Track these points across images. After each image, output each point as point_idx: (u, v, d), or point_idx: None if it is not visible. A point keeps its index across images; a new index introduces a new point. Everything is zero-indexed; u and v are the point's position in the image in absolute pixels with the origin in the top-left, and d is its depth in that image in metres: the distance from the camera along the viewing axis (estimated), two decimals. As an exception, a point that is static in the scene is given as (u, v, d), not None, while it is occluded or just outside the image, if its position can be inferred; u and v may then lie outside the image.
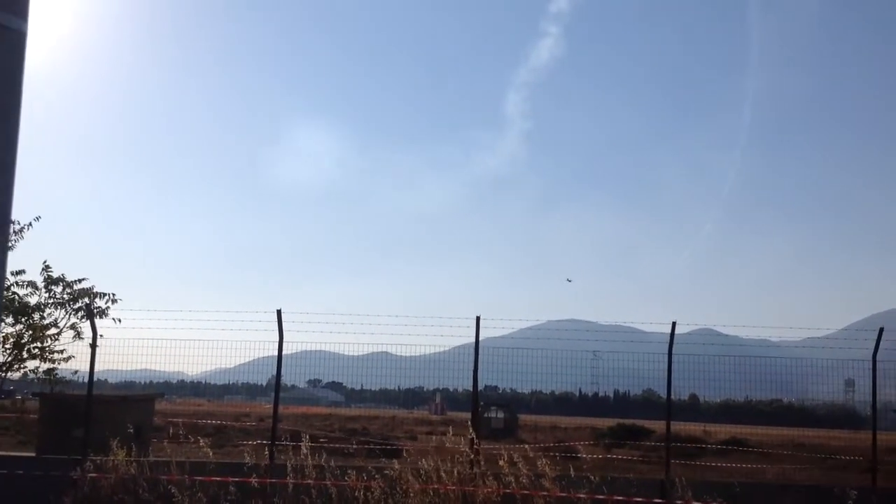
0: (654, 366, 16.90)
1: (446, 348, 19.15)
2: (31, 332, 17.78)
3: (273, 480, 11.90)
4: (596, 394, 57.11)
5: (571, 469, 12.14)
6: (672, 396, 15.46)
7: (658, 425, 24.97)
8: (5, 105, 3.46)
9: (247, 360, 20.12)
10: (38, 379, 18.01)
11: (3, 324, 16.93)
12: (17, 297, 17.56)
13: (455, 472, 11.45)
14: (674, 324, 15.32)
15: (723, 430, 35.81)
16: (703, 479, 15.31)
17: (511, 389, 53.49)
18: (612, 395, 61.01)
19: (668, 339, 15.43)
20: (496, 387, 53.14)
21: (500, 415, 46.06)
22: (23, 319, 17.64)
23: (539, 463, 11.40)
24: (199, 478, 12.04)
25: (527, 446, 18.37)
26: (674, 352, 15.30)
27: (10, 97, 3.48)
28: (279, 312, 15.70)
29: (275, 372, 16.12)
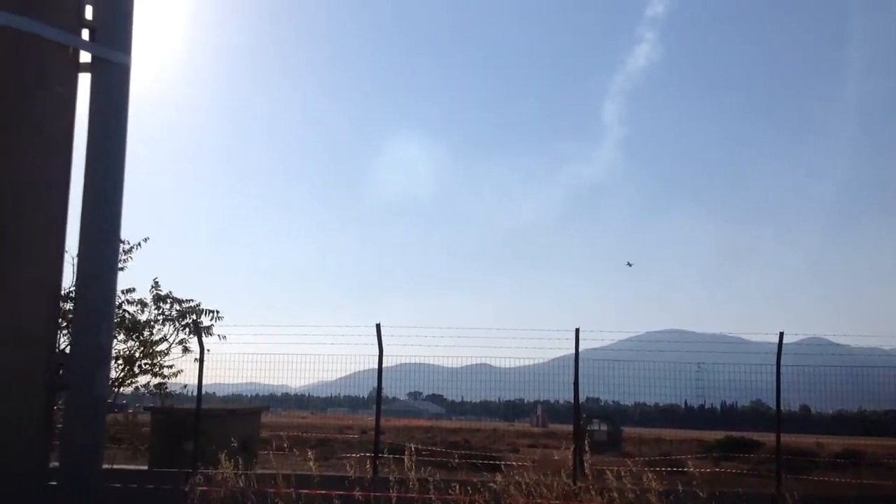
0: (762, 377, 16.36)
1: (546, 360, 18.96)
2: (142, 348, 18.44)
3: (377, 493, 11.99)
4: (702, 405, 55.63)
5: (679, 484, 11.83)
6: (782, 408, 14.96)
7: (768, 438, 24.14)
8: (112, 134, 3.58)
9: (348, 373, 20.39)
10: (150, 393, 18.66)
11: (115, 340, 17.60)
12: (127, 314, 18.24)
13: (558, 486, 11.29)
14: (781, 334, 14.82)
15: (836, 443, 34.43)
16: (816, 494, 14.71)
17: (614, 402, 52.61)
18: (719, 406, 59.28)
19: (775, 349, 14.94)
20: (598, 399, 52.47)
21: (603, 427, 45.34)
22: (134, 336, 18.31)
23: (644, 477, 11.14)
24: (305, 490, 12.23)
25: (630, 460, 18.02)
26: (783, 362, 14.81)
27: (117, 126, 3.61)
28: (378, 327, 15.86)
29: (375, 384, 16.28)
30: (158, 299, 18.39)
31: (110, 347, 11.76)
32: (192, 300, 18.65)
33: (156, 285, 18.35)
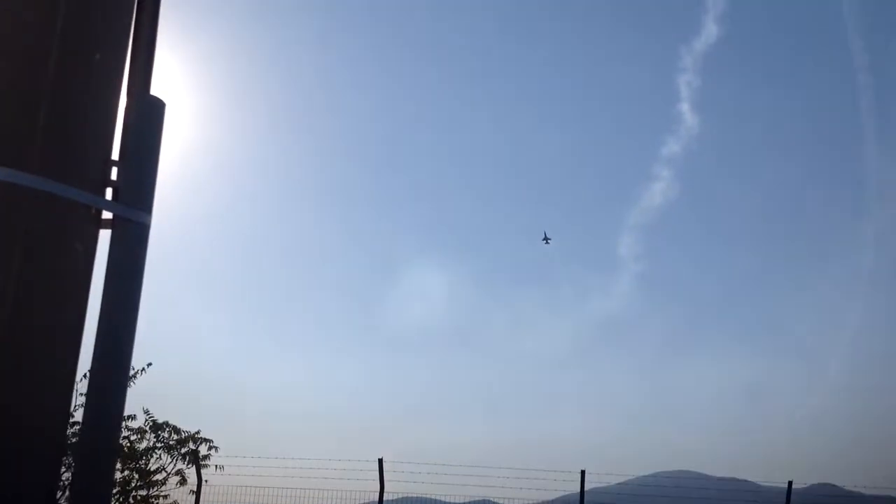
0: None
1: (551, 498, 18.54)
2: (138, 476, 18.11)
3: None
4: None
5: None
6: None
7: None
8: (128, 289, 3.66)
9: (350, 506, 19.90)
10: (144, 525, 18.22)
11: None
12: (126, 441, 18.01)
13: None
14: (790, 483, 14.55)
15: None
16: None
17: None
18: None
19: (784, 493, 14.67)
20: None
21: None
22: (130, 465, 18.03)
23: None
24: None
25: None
26: (792, 511, 14.47)
27: (133, 281, 3.69)
28: (381, 462, 15.64)
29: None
30: (156, 427, 18.21)
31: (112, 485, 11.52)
32: (189, 430, 18.45)
33: (147, 412, 18.18)
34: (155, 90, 4.03)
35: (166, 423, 18.53)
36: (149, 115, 3.75)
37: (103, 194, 3.54)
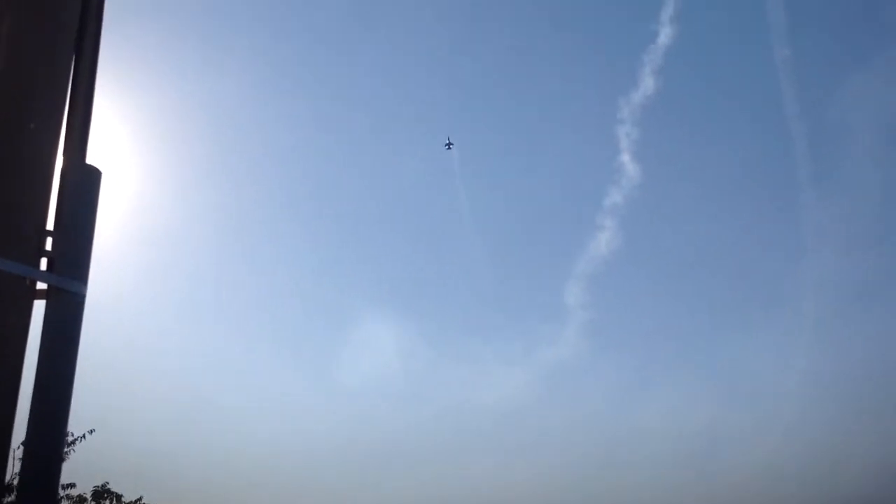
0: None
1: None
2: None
3: None
4: None
5: None
6: None
7: None
8: (63, 359, 3.61)
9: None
10: None
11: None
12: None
13: None
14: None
15: None
16: None
17: None
18: None
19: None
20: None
21: None
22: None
23: None
24: None
25: None
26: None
27: (68, 351, 3.63)
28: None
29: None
30: (97, 495, 17.68)
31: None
32: (131, 498, 17.96)
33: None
34: (91, 156, 4.03)
35: (107, 490, 17.99)
36: (85, 183, 3.74)
37: (38, 265, 3.51)
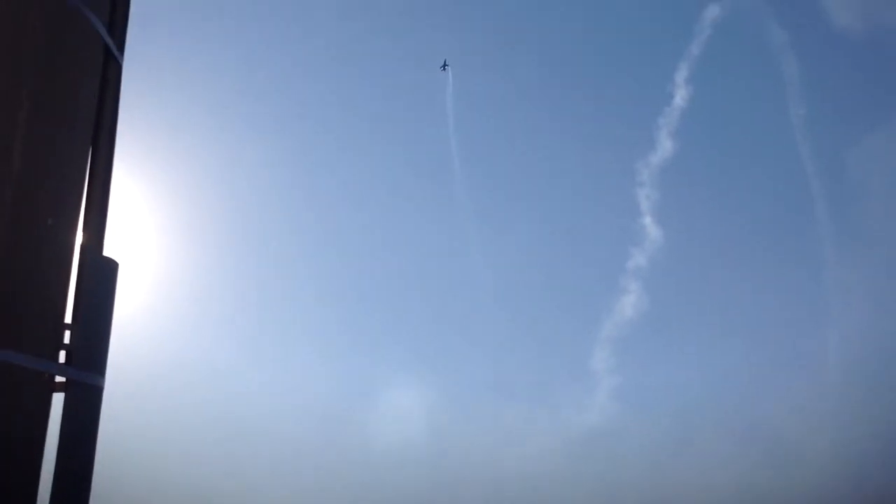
0: None
1: None
2: None
3: None
4: None
5: None
6: None
7: None
8: (82, 451, 3.62)
9: None
10: None
11: None
12: None
13: None
14: None
15: None
16: None
17: None
18: None
19: None
20: None
21: None
22: None
23: None
24: None
25: None
26: None
27: (87, 443, 3.64)
28: None
29: None
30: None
31: None
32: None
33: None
34: (108, 248, 4.10)
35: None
36: (102, 275, 3.80)
37: (56, 358, 3.55)
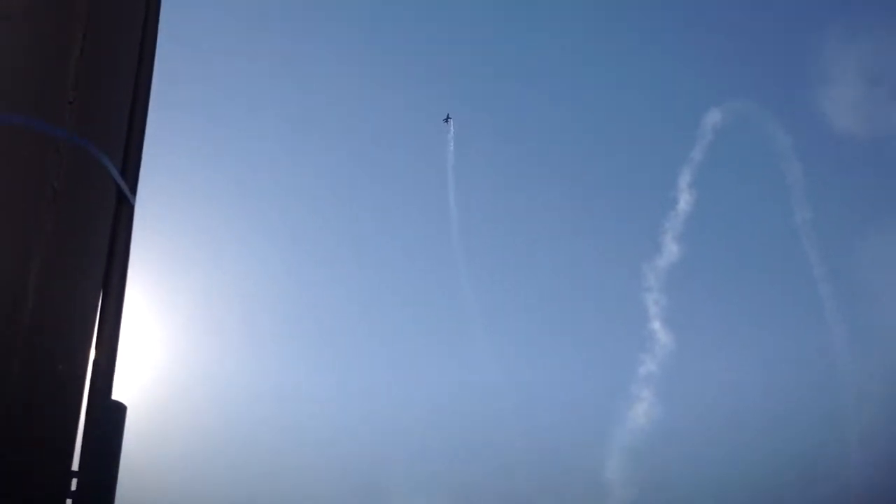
0: None
1: None
2: None
3: None
4: None
5: None
6: None
7: None
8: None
9: None
10: None
11: None
12: None
13: None
14: None
15: None
16: None
17: None
18: None
19: None
20: None
21: None
22: None
23: None
24: None
25: None
26: None
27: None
28: None
29: None
30: None
31: None
32: None
33: None
34: (116, 393, 4.07)
35: None
36: (110, 420, 3.75)
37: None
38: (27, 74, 3.80)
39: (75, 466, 3.65)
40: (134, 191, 4.17)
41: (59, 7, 3.96)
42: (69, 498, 3.55)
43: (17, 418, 3.35)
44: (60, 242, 3.64)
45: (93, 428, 3.66)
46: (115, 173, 3.98)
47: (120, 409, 3.74)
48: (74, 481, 3.59)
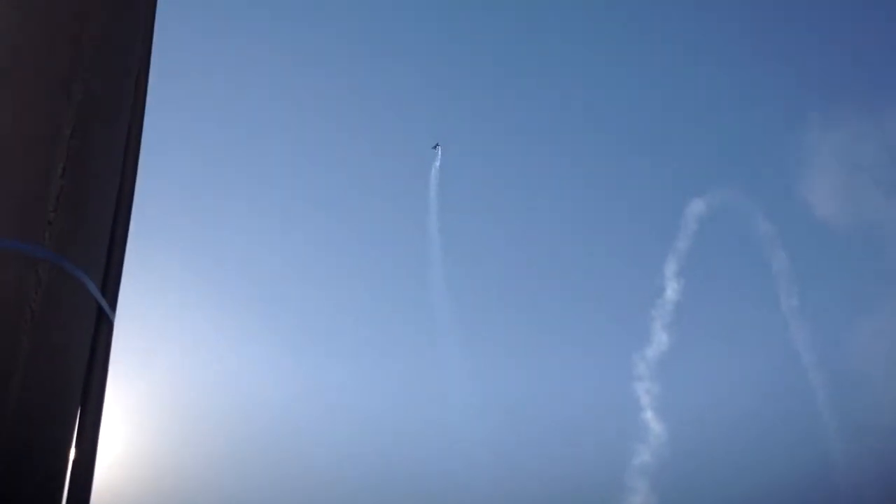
0: None
1: None
2: None
3: None
4: None
5: None
6: None
7: None
8: None
9: None
10: None
11: None
12: None
13: None
14: None
15: None
16: None
17: None
18: None
19: None
20: None
21: None
22: None
23: None
24: None
25: None
26: None
27: None
28: None
29: None
30: None
31: None
32: None
33: None
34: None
35: None
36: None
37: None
38: (7, 195, 3.85)
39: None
40: (114, 307, 4.18)
41: (42, 128, 4.04)
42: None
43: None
44: (39, 361, 3.65)
45: (76, 483, 3.61)
46: (95, 290, 4.00)
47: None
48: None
